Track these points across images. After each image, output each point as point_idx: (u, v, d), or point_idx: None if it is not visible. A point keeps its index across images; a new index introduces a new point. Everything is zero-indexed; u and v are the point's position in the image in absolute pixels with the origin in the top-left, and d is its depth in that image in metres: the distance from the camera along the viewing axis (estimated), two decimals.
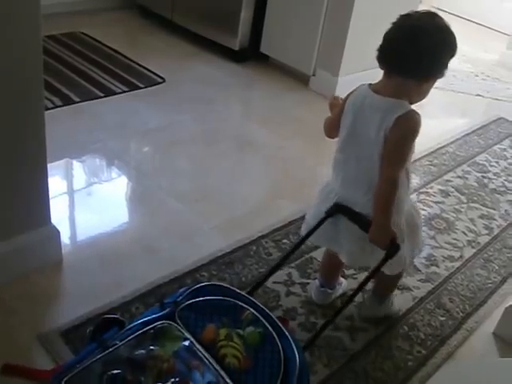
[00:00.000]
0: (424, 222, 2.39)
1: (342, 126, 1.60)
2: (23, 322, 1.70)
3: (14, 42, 1.51)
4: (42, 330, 1.67)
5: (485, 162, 3.04)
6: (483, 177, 2.90)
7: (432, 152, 3.02)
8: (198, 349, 1.20)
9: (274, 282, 1.97)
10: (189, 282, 1.91)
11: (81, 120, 2.80)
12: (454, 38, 1.49)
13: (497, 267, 2.25)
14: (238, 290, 1.36)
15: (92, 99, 2.97)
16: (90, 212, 2.24)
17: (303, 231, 1.76)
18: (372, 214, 1.54)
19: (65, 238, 2.01)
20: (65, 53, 3.41)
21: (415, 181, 2.69)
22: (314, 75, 3.44)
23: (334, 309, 1.56)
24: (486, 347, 1.90)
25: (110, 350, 1.18)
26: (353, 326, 1.87)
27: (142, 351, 1.18)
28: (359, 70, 3.32)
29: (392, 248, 1.54)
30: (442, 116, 3.55)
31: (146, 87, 3.19)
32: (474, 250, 2.33)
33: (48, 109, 2.63)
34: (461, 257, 2.28)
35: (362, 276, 2.01)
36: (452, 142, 3.19)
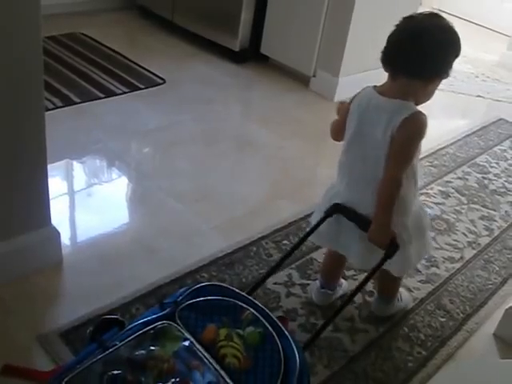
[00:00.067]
0: None
1: (348, 128, 1.60)
2: (23, 323, 1.70)
3: (14, 43, 1.51)
4: (42, 331, 1.67)
5: (485, 163, 3.04)
6: (483, 178, 2.90)
7: (432, 153, 3.02)
8: (198, 349, 1.20)
9: (275, 283, 1.97)
10: (189, 282, 1.90)
11: (81, 121, 2.80)
12: (458, 37, 1.49)
13: (497, 268, 2.25)
14: (238, 290, 1.36)
15: (92, 100, 2.97)
16: (90, 213, 2.24)
17: (310, 236, 1.77)
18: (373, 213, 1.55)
19: (65, 238, 2.01)
20: (65, 53, 3.41)
21: None
22: (314, 76, 3.44)
23: (335, 310, 1.56)
24: (486, 348, 1.90)
25: (111, 350, 1.17)
26: (353, 327, 1.87)
27: (143, 351, 1.18)
28: (360, 70, 3.33)
29: (391, 248, 1.54)
30: (442, 117, 3.55)
31: (146, 88, 3.19)
32: (475, 251, 2.32)
33: (48, 109, 2.63)
34: (461, 258, 2.28)
35: (362, 277, 2.01)
36: (452, 143, 3.19)
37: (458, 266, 2.23)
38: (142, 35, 3.90)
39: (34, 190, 1.76)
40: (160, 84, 3.25)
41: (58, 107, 2.82)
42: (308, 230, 1.71)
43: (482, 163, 3.04)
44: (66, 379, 1.12)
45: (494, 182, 2.88)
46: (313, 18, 3.28)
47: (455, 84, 3.97)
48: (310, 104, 3.33)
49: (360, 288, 1.56)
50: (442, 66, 1.50)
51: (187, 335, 1.22)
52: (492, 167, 3.02)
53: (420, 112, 1.50)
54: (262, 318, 1.29)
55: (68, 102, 2.89)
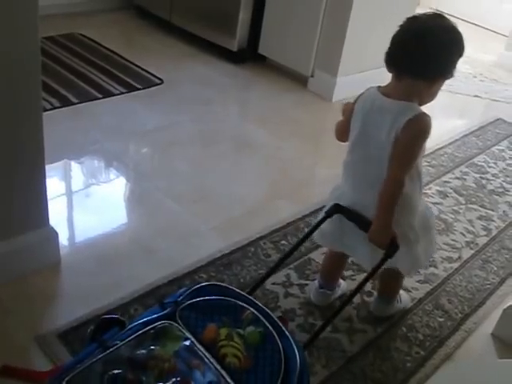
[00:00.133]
0: None
1: (352, 129, 1.61)
2: (21, 323, 1.69)
3: (11, 44, 1.51)
4: (40, 331, 1.66)
5: (483, 163, 3.05)
6: (481, 178, 2.90)
7: (430, 153, 3.02)
8: (198, 348, 1.20)
9: (273, 284, 1.97)
10: (187, 283, 1.90)
11: (79, 121, 2.80)
12: (461, 37, 1.50)
13: (495, 268, 2.25)
14: (238, 290, 1.36)
15: (90, 100, 2.97)
16: (88, 213, 2.23)
17: (316, 237, 1.78)
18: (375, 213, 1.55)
19: (63, 239, 2.01)
20: (63, 54, 3.41)
21: None
22: (312, 76, 3.44)
23: (333, 310, 1.56)
24: (484, 348, 1.90)
25: (111, 349, 1.17)
26: (351, 327, 1.87)
27: (143, 351, 1.18)
28: (358, 70, 3.33)
29: (391, 248, 1.54)
30: (440, 117, 3.54)
31: (143, 88, 3.18)
32: (473, 251, 2.33)
33: (46, 110, 2.63)
34: (459, 258, 2.28)
35: (361, 277, 2.01)
36: (450, 143, 3.19)
37: (456, 265, 2.23)
38: (139, 35, 3.90)
39: (31, 191, 1.76)
40: (158, 84, 3.25)
41: (55, 108, 2.81)
42: (307, 230, 1.71)
43: (480, 163, 3.04)
44: (66, 379, 1.12)
45: (491, 182, 2.88)
46: (311, 18, 3.29)
47: (453, 84, 3.96)
48: (308, 104, 3.33)
49: (360, 288, 1.56)
50: (446, 65, 1.51)
51: (188, 335, 1.22)
52: (490, 167, 3.02)
53: (424, 113, 1.51)
54: (262, 318, 1.29)
55: (66, 103, 2.89)
